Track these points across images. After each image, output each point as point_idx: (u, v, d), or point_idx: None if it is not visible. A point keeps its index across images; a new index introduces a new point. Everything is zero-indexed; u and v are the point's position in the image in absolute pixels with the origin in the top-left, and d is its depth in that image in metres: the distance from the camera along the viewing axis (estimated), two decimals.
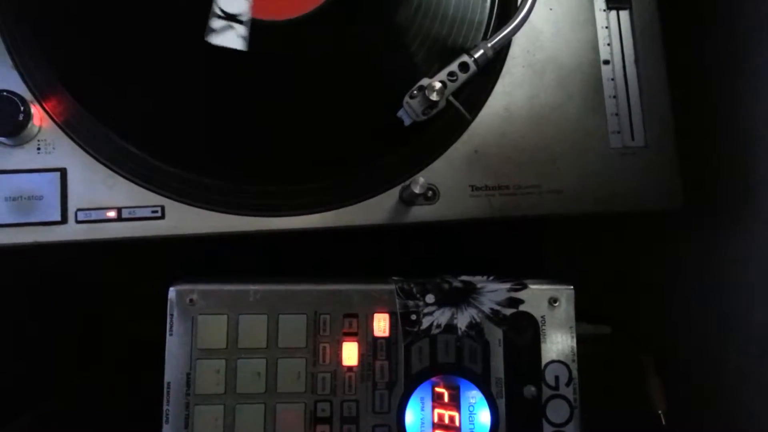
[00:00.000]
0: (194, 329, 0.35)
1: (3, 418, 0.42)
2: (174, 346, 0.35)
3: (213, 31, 0.34)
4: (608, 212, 0.40)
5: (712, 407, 0.41)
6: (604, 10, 0.41)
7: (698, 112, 0.43)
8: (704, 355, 0.41)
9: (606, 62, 0.41)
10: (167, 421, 0.34)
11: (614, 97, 0.40)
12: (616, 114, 0.40)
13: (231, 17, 0.34)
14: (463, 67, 0.36)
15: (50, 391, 0.45)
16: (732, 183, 0.41)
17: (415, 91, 0.35)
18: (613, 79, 0.40)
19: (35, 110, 0.35)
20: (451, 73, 0.36)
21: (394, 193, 0.38)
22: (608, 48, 0.41)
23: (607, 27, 0.41)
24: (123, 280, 0.47)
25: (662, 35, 0.41)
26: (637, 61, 0.41)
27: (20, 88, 0.36)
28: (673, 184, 0.40)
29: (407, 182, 0.36)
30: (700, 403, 0.41)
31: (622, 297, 0.46)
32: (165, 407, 0.34)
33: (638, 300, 0.46)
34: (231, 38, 0.34)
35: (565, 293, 0.38)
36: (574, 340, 0.37)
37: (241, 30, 0.34)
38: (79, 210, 0.35)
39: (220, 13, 0.34)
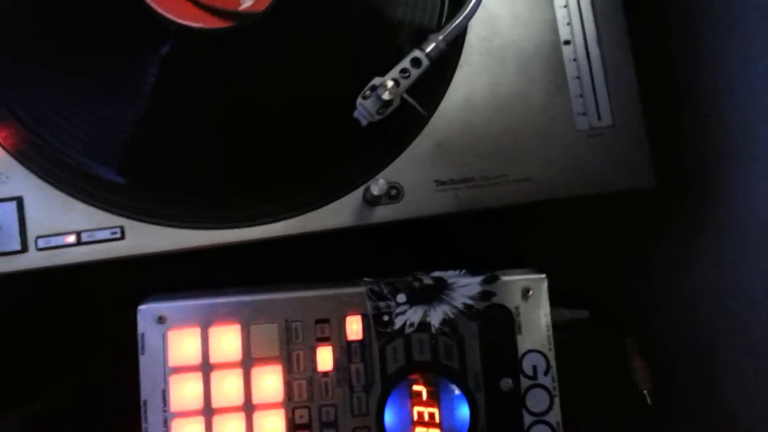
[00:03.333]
0: (166, 346, 0.35)
1: None
2: (147, 364, 0.36)
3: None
4: (580, 196, 0.40)
5: (694, 387, 0.41)
6: None
7: (666, 87, 0.42)
8: (684, 334, 0.41)
9: (567, 42, 0.40)
10: None
11: (578, 77, 0.40)
12: (581, 95, 0.40)
13: None
14: (416, 62, 0.35)
15: (36, 393, 0.45)
16: (704, 160, 0.40)
17: (367, 92, 0.35)
18: (575, 59, 0.40)
19: None
20: (403, 70, 0.35)
21: (357, 195, 0.38)
22: (568, 27, 0.40)
23: (565, 6, 0.41)
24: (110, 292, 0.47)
25: (624, 10, 0.40)
26: (599, 39, 0.41)
27: None
28: (644, 162, 0.41)
29: (368, 183, 0.36)
30: (683, 383, 0.41)
31: (605, 281, 0.46)
32: (143, 425, 0.35)
33: (619, 282, 0.46)
34: None
35: (537, 282, 0.38)
36: (550, 328, 0.38)
37: None
38: (38, 237, 0.35)
39: None
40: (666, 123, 0.42)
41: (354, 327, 0.37)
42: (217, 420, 0.36)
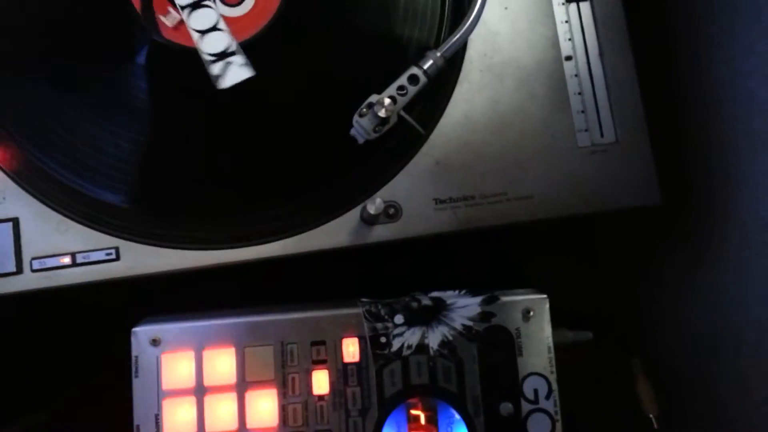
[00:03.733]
0: (159, 369, 0.35)
1: None
2: (140, 388, 0.35)
3: (218, 77, 0.35)
4: (582, 214, 0.39)
5: (701, 410, 0.40)
6: (563, 4, 0.40)
7: (671, 102, 0.41)
8: (692, 357, 0.40)
9: (568, 58, 0.40)
10: None
11: (579, 93, 0.39)
12: (583, 111, 0.39)
13: (222, 55, 0.35)
14: (413, 79, 0.35)
15: (42, 403, 0.45)
16: (712, 177, 0.39)
17: (364, 109, 0.34)
18: (577, 75, 0.39)
19: None
20: (400, 87, 0.35)
21: (355, 214, 0.38)
22: (570, 43, 0.40)
23: (567, 21, 0.40)
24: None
25: (627, 24, 0.39)
26: (601, 54, 0.40)
27: None
28: (649, 179, 0.40)
29: (365, 203, 0.35)
30: (690, 406, 0.40)
31: (608, 300, 0.44)
32: None
33: (623, 300, 0.45)
34: (236, 73, 0.36)
35: (539, 303, 0.38)
36: (552, 351, 0.37)
37: (239, 59, 0.36)
38: (33, 259, 0.35)
39: (211, 57, 0.34)
40: (670, 138, 0.41)
41: (350, 349, 0.37)
42: None
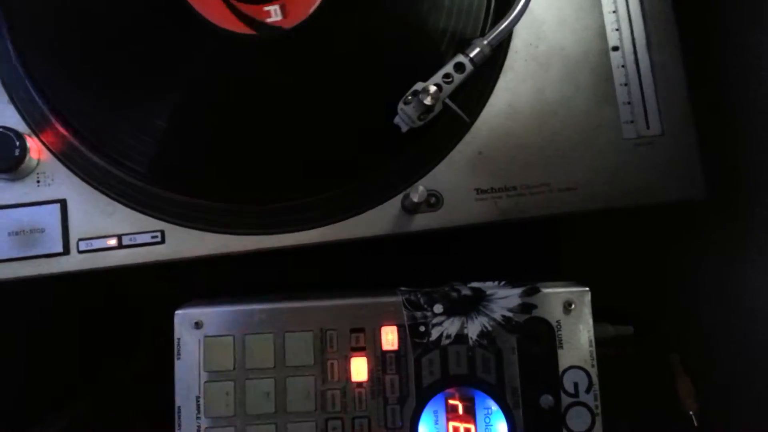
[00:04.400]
0: (201, 352, 0.35)
1: (41, 415, 0.43)
2: (182, 370, 0.36)
3: None
4: (626, 207, 0.39)
5: (742, 407, 0.39)
6: None
7: (718, 95, 0.40)
8: (734, 353, 0.39)
9: (615, 49, 0.39)
10: None
11: (626, 84, 0.39)
12: (629, 102, 0.39)
13: None
14: (459, 67, 0.35)
15: (90, 389, 0.46)
16: (759, 170, 0.38)
17: (409, 97, 0.34)
18: (623, 66, 0.39)
19: (33, 143, 0.36)
20: (446, 75, 0.35)
21: (396, 202, 0.37)
22: (617, 33, 0.39)
23: (614, 11, 0.39)
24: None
25: (675, 15, 0.38)
26: (648, 45, 0.39)
27: (17, 122, 0.36)
28: (694, 172, 0.39)
29: (408, 191, 0.35)
30: (731, 403, 0.39)
31: (648, 294, 0.44)
32: (177, 431, 0.34)
33: (665, 297, 0.44)
34: None
35: (581, 296, 0.37)
36: (593, 344, 0.36)
37: None
38: (80, 240, 0.36)
39: None
40: (716, 131, 0.40)
41: (389, 337, 0.37)
42: (249, 429, 0.36)
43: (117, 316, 0.47)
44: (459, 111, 0.35)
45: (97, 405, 0.46)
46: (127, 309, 0.47)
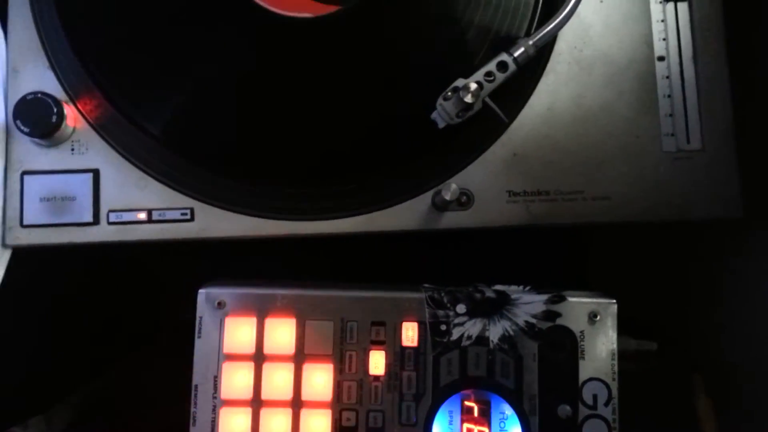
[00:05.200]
0: (222, 332, 0.35)
1: (53, 398, 0.44)
2: (202, 348, 0.36)
3: None
4: (659, 221, 0.38)
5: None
6: (661, 2, 0.39)
7: (761, 112, 0.39)
8: (760, 378, 0.38)
9: (661, 59, 0.38)
10: (194, 424, 0.35)
11: (669, 96, 0.38)
12: (671, 115, 0.38)
13: None
14: (502, 66, 0.34)
15: (103, 372, 0.46)
16: None
17: (449, 93, 0.34)
18: (668, 77, 0.38)
19: (70, 111, 0.36)
20: (488, 73, 0.34)
21: (426, 198, 0.37)
22: (664, 43, 0.38)
23: (663, 20, 0.38)
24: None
25: (724, 29, 0.37)
26: (695, 57, 0.38)
27: (56, 88, 0.36)
28: (732, 191, 0.38)
29: (439, 187, 0.35)
30: (752, 428, 0.38)
31: (674, 311, 0.43)
32: (192, 409, 0.35)
33: (690, 315, 0.43)
34: None
35: (606, 308, 0.37)
36: (616, 357, 0.36)
37: None
38: (110, 211, 0.36)
39: None
40: (756, 149, 0.40)
41: (410, 333, 0.36)
42: (264, 412, 0.35)
43: (140, 292, 0.47)
44: (498, 111, 0.35)
45: (118, 380, 0.46)
46: (151, 285, 0.47)
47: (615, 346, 0.36)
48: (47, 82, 0.37)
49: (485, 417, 0.36)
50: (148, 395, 0.43)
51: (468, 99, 0.34)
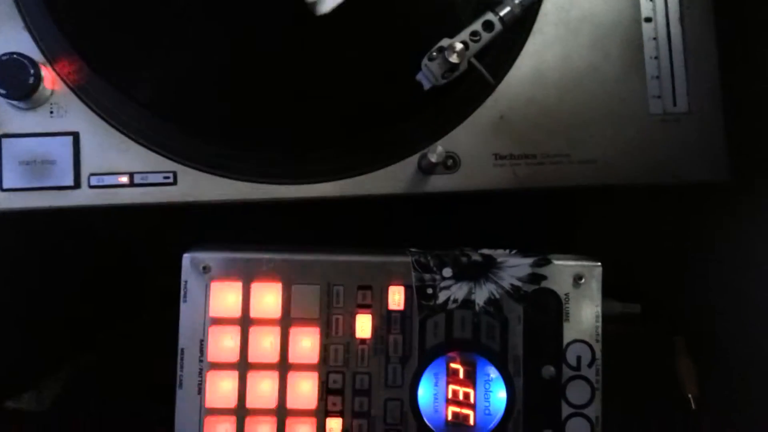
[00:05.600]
0: (207, 296, 0.35)
1: (42, 372, 0.44)
2: (188, 312, 0.36)
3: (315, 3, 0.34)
4: (646, 184, 0.38)
5: (745, 394, 0.39)
6: None
7: (748, 74, 0.39)
8: (741, 342, 0.39)
9: (648, 20, 0.38)
10: (180, 386, 0.35)
11: (656, 58, 0.38)
12: (657, 77, 0.38)
13: None
14: (488, 26, 0.34)
15: (89, 344, 0.46)
16: None
17: (434, 53, 0.33)
18: (655, 39, 0.38)
19: (47, 73, 0.35)
20: (473, 33, 0.34)
21: (412, 161, 0.37)
22: (651, 4, 0.38)
23: None
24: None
25: None
26: (681, 18, 0.38)
27: (32, 50, 0.35)
28: (719, 154, 0.39)
29: (425, 150, 0.35)
30: (733, 389, 0.39)
31: (658, 275, 0.44)
32: (179, 373, 0.35)
33: (675, 278, 0.44)
34: None
35: (591, 270, 0.37)
36: (600, 319, 0.36)
37: None
38: (91, 174, 0.35)
39: None
40: (742, 111, 0.39)
41: (396, 297, 0.36)
42: (251, 375, 0.36)
43: (124, 259, 0.47)
44: (484, 71, 0.34)
45: (103, 347, 0.46)
46: (134, 251, 0.47)
47: (599, 308, 0.36)
48: (24, 44, 0.36)
49: (470, 379, 0.36)
50: (134, 361, 0.44)
51: (453, 59, 0.34)
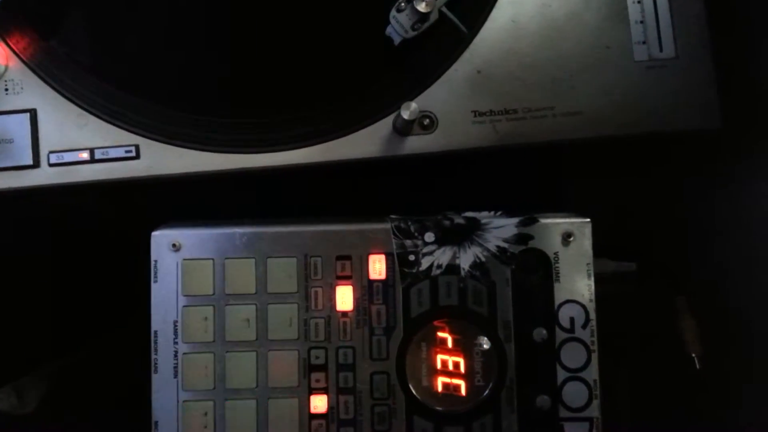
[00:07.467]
0: (179, 275, 0.34)
1: (26, 367, 0.42)
2: (159, 293, 0.34)
3: None
4: (635, 135, 0.37)
5: (749, 351, 0.37)
6: None
7: (736, 16, 0.37)
8: (744, 297, 0.37)
9: None
10: (156, 371, 0.34)
11: (639, 2, 0.37)
12: (641, 21, 0.36)
13: None
14: None
15: (75, 341, 0.45)
16: None
17: (402, 3, 0.32)
18: None
19: (0, 49, 0.33)
20: None
21: (387, 123, 0.35)
22: None
23: None
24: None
25: None
26: None
27: None
28: (710, 101, 0.37)
29: (399, 110, 0.33)
30: (737, 347, 0.37)
31: (654, 231, 0.42)
32: (153, 356, 0.34)
33: (672, 234, 0.42)
34: None
35: (581, 227, 0.35)
36: (592, 278, 0.35)
37: None
38: (51, 152, 0.34)
39: None
40: (733, 55, 0.38)
41: (377, 266, 0.35)
42: (229, 356, 0.34)
43: (90, 238, 0.46)
44: (457, 21, 0.33)
45: (87, 349, 0.45)
46: (100, 230, 0.45)
47: (591, 266, 0.35)
48: None
49: (459, 347, 0.35)
50: (118, 363, 0.42)
51: (422, 8, 0.32)
